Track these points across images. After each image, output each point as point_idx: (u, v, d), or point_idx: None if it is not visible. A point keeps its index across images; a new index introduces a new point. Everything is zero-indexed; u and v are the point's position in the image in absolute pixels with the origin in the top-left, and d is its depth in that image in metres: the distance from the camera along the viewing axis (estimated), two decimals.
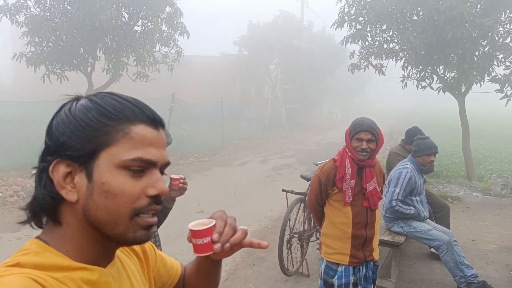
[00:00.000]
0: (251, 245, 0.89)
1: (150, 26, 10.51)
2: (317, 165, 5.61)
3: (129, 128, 0.75)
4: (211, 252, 0.86)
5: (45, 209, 0.75)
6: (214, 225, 0.87)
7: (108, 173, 0.73)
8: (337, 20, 9.32)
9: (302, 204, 4.64)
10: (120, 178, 0.73)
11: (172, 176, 2.24)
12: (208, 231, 0.86)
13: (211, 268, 1.01)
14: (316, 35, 25.26)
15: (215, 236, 0.85)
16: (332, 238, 2.85)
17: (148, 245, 1.03)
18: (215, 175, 9.78)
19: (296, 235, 4.46)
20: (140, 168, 0.75)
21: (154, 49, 11.18)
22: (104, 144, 0.74)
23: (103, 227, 0.75)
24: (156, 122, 0.79)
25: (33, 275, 0.66)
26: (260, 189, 8.35)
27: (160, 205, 0.79)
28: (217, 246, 0.84)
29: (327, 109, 31.87)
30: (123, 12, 10.49)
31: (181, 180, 2.25)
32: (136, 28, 10.95)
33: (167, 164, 0.81)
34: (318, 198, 2.89)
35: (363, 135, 2.67)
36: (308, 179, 4.91)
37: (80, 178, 0.74)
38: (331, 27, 9.59)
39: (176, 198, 2.34)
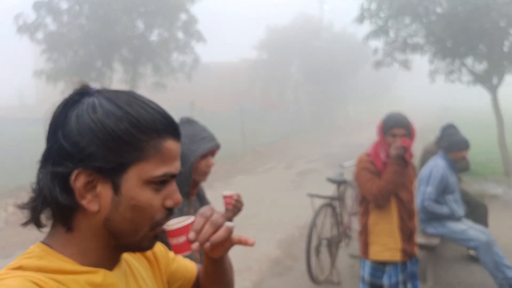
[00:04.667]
0: (240, 242, 0.85)
1: (166, 35, 10.46)
2: (343, 167, 5.36)
3: (161, 143, 0.74)
4: (189, 252, 0.81)
5: (59, 216, 0.74)
6: (192, 223, 0.82)
7: (137, 188, 0.72)
8: (357, 17, 9.06)
9: (330, 209, 4.49)
10: (148, 193, 0.73)
11: (225, 193, 1.91)
12: (183, 230, 0.81)
13: (213, 267, 0.98)
14: (337, 34, 24.87)
15: (191, 234, 0.80)
16: (382, 235, 2.79)
17: (160, 247, 1.00)
18: (238, 183, 9.60)
19: (325, 240, 4.33)
20: (165, 182, 0.76)
21: (171, 58, 11.14)
22: (136, 159, 0.72)
23: (123, 236, 0.75)
24: (179, 134, 0.79)
25: (33, 278, 0.65)
26: (285, 196, 8.14)
27: (173, 214, 0.80)
28: (194, 246, 0.80)
29: (352, 109, 31.14)
30: (138, 23, 10.50)
31: (235, 197, 1.92)
32: (152, 38, 10.94)
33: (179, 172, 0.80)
34: (375, 181, 2.69)
35: (396, 131, 2.67)
36: (335, 182, 4.70)
37: (103, 189, 0.72)
38: (351, 24, 9.36)
39: None
